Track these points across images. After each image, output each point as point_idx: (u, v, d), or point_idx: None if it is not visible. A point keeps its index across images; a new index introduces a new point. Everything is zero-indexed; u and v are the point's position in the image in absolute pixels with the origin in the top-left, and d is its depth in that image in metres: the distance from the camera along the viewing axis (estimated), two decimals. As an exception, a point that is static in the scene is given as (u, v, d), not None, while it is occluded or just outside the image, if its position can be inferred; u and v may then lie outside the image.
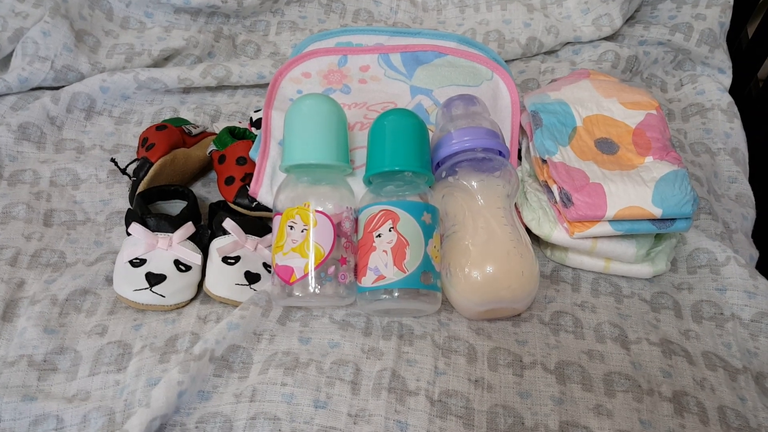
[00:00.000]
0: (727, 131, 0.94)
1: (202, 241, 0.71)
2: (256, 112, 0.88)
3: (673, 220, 0.70)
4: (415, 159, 0.68)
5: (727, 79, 1.03)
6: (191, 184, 0.83)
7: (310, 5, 1.07)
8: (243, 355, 0.63)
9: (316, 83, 0.84)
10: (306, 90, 0.83)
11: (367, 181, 0.70)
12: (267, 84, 0.96)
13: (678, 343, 0.67)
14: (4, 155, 0.82)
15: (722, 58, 1.03)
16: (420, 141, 0.70)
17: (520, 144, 0.83)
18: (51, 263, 0.72)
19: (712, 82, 1.00)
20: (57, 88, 0.90)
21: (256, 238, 0.72)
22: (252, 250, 0.71)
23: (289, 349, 0.63)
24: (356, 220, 0.69)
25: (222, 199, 0.78)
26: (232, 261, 0.69)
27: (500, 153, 0.72)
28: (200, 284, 0.70)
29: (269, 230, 0.73)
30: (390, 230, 0.65)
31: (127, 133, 0.89)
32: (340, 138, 0.69)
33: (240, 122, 0.89)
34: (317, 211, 0.65)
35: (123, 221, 0.77)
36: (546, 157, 0.74)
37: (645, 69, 1.03)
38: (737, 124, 0.96)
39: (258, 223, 0.73)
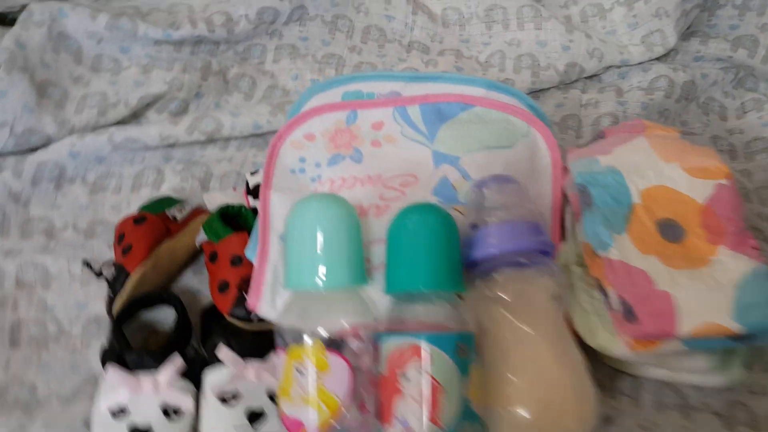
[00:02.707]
0: (802, 175, 0.81)
1: (194, 371, 0.60)
2: (253, 174, 0.75)
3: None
4: (445, 275, 0.56)
5: (797, 103, 0.89)
6: (180, 275, 0.72)
7: (312, 24, 0.93)
8: None
9: (322, 147, 0.71)
10: (310, 157, 0.70)
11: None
12: (264, 134, 0.83)
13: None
14: (-40, 248, 0.71)
15: (792, 78, 0.88)
16: (450, 250, 0.57)
17: (562, 214, 0.71)
18: (20, 401, 0.61)
19: (782, 111, 0.86)
20: (18, 153, 0.78)
21: (258, 362, 0.61)
22: (254, 379, 0.60)
23: None
24: (376, 346, 0.57)
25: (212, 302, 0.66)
26: (231, 399, 0.58)
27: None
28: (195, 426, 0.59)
29: (273, 345, 0.62)
30: (419, 372, 0.53)
31: (104, 205, 0.77)
32: (353, 252, 0.57)
33: (234, 188, 0.77)
34: (330, 350, 0.54)
35: (102, 332, 0.66)
36: (601, 254, 0.61)
37: (702, 93, 0.88)
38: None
39: (259, 340, 0.62)
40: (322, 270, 0.55)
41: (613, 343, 0.61)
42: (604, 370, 0.65)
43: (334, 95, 0.74)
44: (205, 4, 0.93)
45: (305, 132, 0.71)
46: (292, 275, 0.57)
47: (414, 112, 0.72)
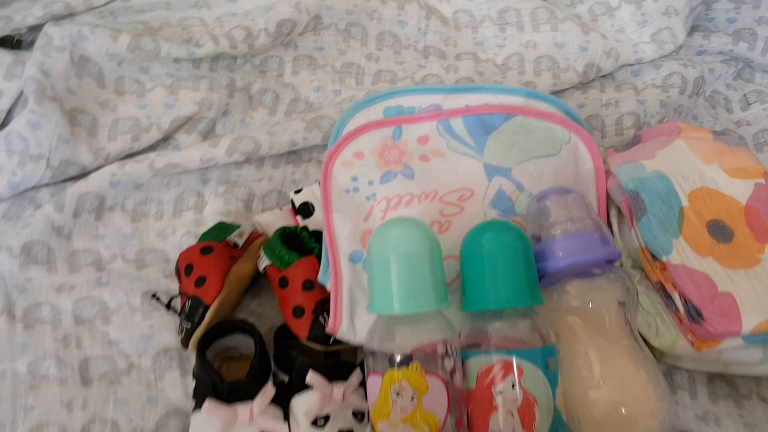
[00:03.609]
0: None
1: (284, 399, 0.60)
2: (297, 193, 0.76)
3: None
4: (525, 291, 0.58)
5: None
6: (241, 302, 0.72)
7: (327, 33, 0.92)
8: None
9: (372, 165, 0.71)
10: (362, 176, 0.71)
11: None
12: (298, 151, 0.83)
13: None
14: (11, 287, 0.68)
15: (790, 69, 0.94)
16: (527, 266, 0.59)
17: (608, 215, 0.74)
18: (105, 441, 0.61)
19: (785, 101, 0.91)
20: (52, 185, 0.76)
21: (342, 384, 0.62)
22: (340, 400, 0.61)
23: None
24: (461, 363, 0.59)
25: (284, 323, 0.67)
26: (322, 423, 0.59)
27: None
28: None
29: (351, 367, 0.64)
30: (513, 386, 0.56)
31: (149, 232, 0.76)
32: (436, 275, 0.58)
33: (281, 208, 0.77)
34: (428, 373, 0.55)
35: (173, 364, 0.66)
36: (664, 259, 0.65)
37: (708, 87, 0.93)
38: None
39: (339, 363, 0.63)
40: (407, 295, 0.57)
41: (676, 342, 0.65)
42: (660, 368, 0.69)
43: (376, 111, 0.75)
44: (216, 17, 0.91)
45: (354, 150, 0.72)
46: (377, 300, 0.58)
47: (457, 124, 0.74)
